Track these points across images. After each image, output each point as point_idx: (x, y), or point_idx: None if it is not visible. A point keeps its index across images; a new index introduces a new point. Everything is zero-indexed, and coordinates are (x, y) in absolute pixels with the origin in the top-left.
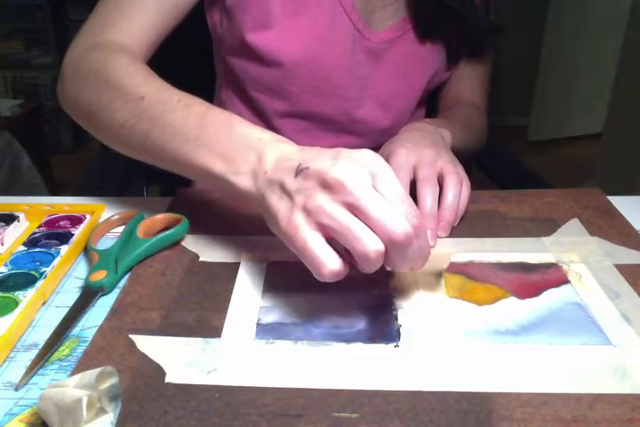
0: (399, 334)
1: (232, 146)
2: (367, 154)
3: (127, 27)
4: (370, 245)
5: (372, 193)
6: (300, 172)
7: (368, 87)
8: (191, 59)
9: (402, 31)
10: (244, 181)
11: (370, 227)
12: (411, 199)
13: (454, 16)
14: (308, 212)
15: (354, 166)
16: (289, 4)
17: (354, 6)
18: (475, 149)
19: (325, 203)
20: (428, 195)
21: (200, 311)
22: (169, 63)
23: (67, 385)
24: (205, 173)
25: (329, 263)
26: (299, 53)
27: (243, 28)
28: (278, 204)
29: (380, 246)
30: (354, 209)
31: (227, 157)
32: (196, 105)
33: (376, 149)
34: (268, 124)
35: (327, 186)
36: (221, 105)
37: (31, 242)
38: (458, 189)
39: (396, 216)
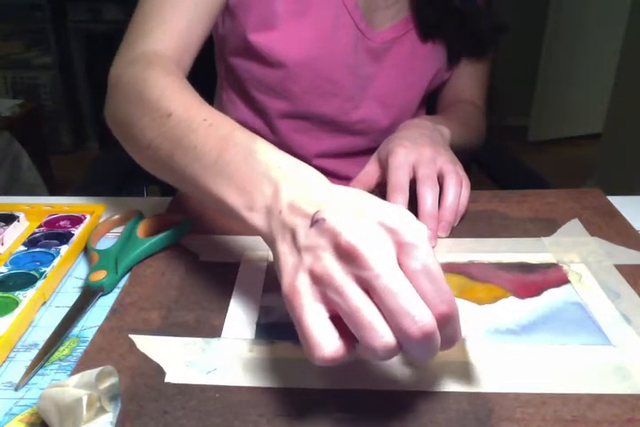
0: None
1: (249, 174)
2: (399, 215)
3: (162, 34)
4: (379, 338)
5: (392, 271)
6: (315, 222)
7: (369, 87)
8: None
9: (403, 31)
10: (256, 218)
11: (383, 314)
12: (443, 278)
13: (457, 16)
14: (314, 277)
15: (377, 230)
16: (293, 4)
17: (356, 6)
18: (473, 148)
19: (336, 273)
20: (428, 194)
21: (200, 311)
22: None
23: (67, 385)
24: (222, 204)
25: (325, 347)
26: (301, 54)
27: (246, 28)
28: (286, 256)
29: (391, 341)
30: (368, 287)
31: (242, 188)
32: (221, 125)
33: (376, 148)
34: (269, 125)
35: (340, 250)
36: (222, 106)
37: (31, 242)
38: (458, 188)
39: (416, 307)
